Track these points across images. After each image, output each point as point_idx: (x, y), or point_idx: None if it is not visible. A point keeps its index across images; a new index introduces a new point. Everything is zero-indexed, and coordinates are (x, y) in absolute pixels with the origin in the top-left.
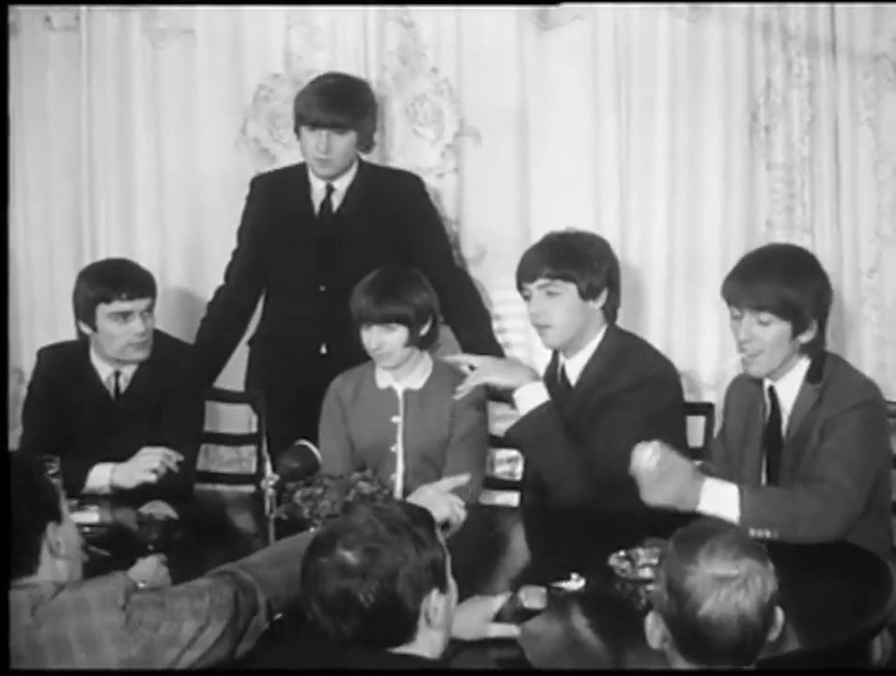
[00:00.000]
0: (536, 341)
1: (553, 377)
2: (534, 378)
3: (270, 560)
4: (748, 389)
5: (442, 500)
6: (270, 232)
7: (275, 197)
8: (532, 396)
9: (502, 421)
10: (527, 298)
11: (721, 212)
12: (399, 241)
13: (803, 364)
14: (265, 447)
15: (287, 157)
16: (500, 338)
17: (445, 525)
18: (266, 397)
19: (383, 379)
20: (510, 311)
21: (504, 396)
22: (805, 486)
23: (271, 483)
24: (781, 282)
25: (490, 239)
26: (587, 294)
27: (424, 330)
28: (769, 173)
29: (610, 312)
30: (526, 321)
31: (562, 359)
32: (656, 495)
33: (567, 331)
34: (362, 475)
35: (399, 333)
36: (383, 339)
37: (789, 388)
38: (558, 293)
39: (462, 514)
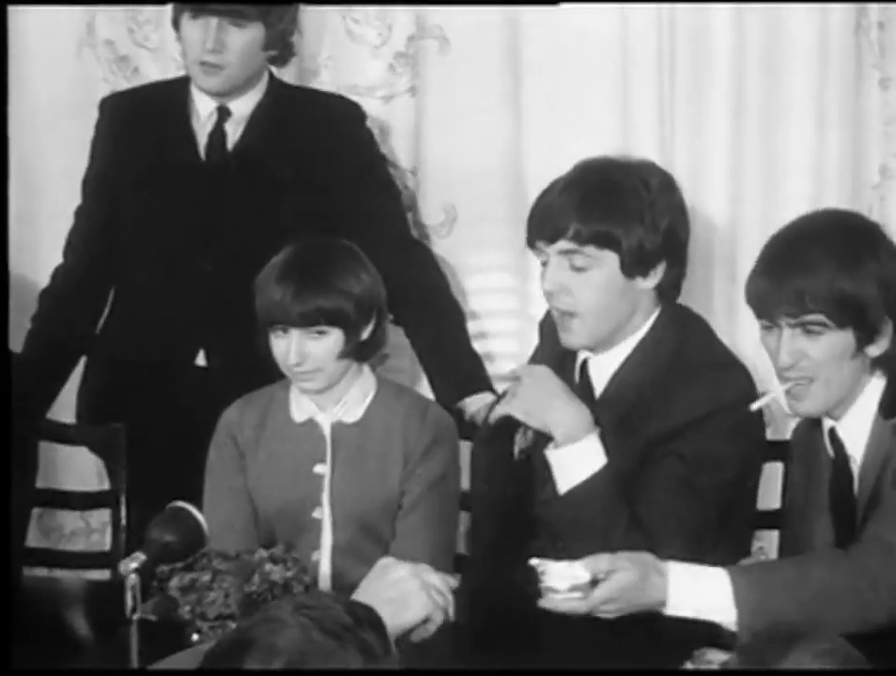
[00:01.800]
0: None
1: (559, 374)
2: (591, 427)
3: None
4: (808, 432)
5: (417, 586)
6: (128, 181)
7: (137, 127)
8: (582, 456)
9: None
10: (543, 264)
11: (810, 151)
12: (326, 200)
13: (873, 390)
14: (124, 511)
15: (156, 68)
16: (478, 346)
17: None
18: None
19: (301, 408)
20: (493, 305)
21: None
22: (846, 553)
23: (135, 565)
24: (836, 269)
25: (463, 197)
26: (634, 266)
27: (366, 334)
28: (884, 92)
29: (668, 290)
30: (517, 321)
31: (582, 351)
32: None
33: (602, 324)
34: (270, 554)
35: (330, 340)
36: (307, 349)
37: (857, 427)
38: (587, 267)
39: (450, 610)
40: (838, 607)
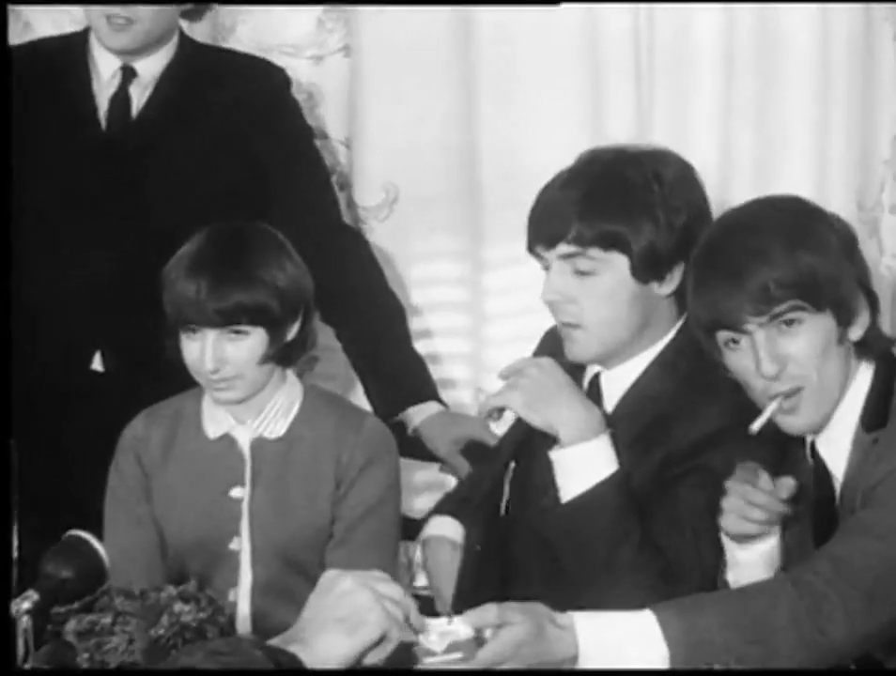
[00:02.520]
0: (488, 352)
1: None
2: (601, 427)
3: None
4: (796, 446)
5: (370, 599)
6: (16, 150)
7: (28, 88)
8: (590, 459)
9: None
10: (545, 268)
11: (813, 122)
12: (244, 179)
13: (860, 387)
14: (15, 543)
15: (49, 22)
16: (422, 347)
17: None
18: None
19: (216, 422)
20: (439, 298)
21: (441, 453)
22: (787, 576)
23: (27, 606)
24: (793, 246)
25: (406, 175)
26: (647, 270)
27: (291, 334)
28: None
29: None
30: (467, 317)
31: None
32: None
33: (611, 336)
34: (180, 592)
35: (252, 341)
36: (224, 353)
37: (837, 439)
38: (593, 272)
39: (408, 630)
40: (780, 634)
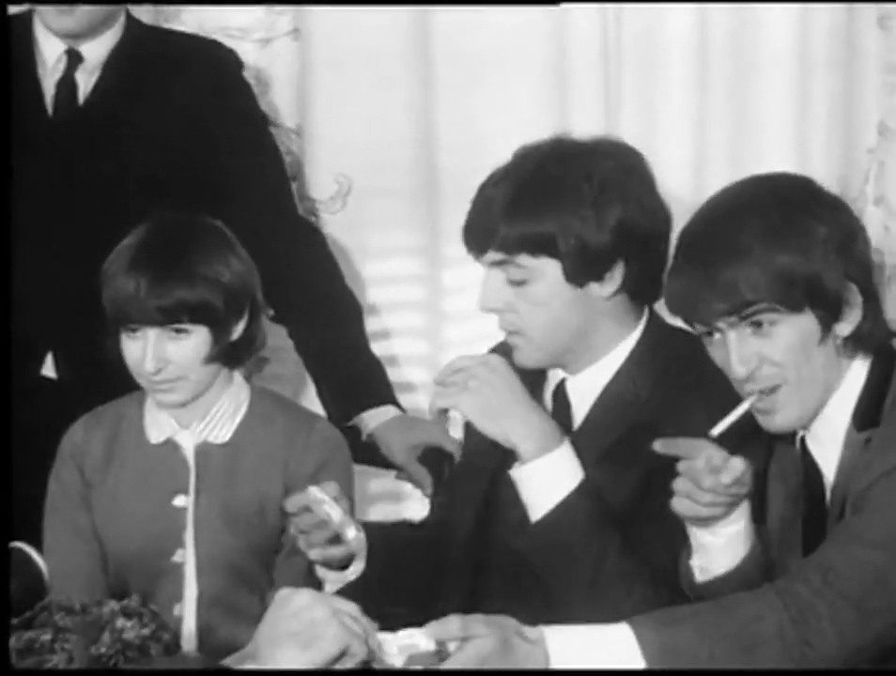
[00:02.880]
0: (448, 354)
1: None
2: (561, 435)
3: None
4: (780, 445)
5: (327, 613)
6: None
7: None
8: (556, 471)
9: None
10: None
11: (792, 107)
12: (197, 165)
13: (853, 383)
14: None
15: None
16: (379, 348)
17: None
18: None
19: (159, 427)
20: (397, 297)
21: (398, 459)
22: (772, 585)
23: None
24: (770, 243)
25: (360, 165)
26: (580, 272)
27: (237, 333)
28: (884, 34)
29: (640, 292)
30: (426, 316)
31: (556, 370)
32: None
33: (554, 341)
34: (122, 606)
35: (195, 340)
36: (166, 353)
37: (829, 437)
38: (526, 280)
39: (372, 643)
40: (765, 647)
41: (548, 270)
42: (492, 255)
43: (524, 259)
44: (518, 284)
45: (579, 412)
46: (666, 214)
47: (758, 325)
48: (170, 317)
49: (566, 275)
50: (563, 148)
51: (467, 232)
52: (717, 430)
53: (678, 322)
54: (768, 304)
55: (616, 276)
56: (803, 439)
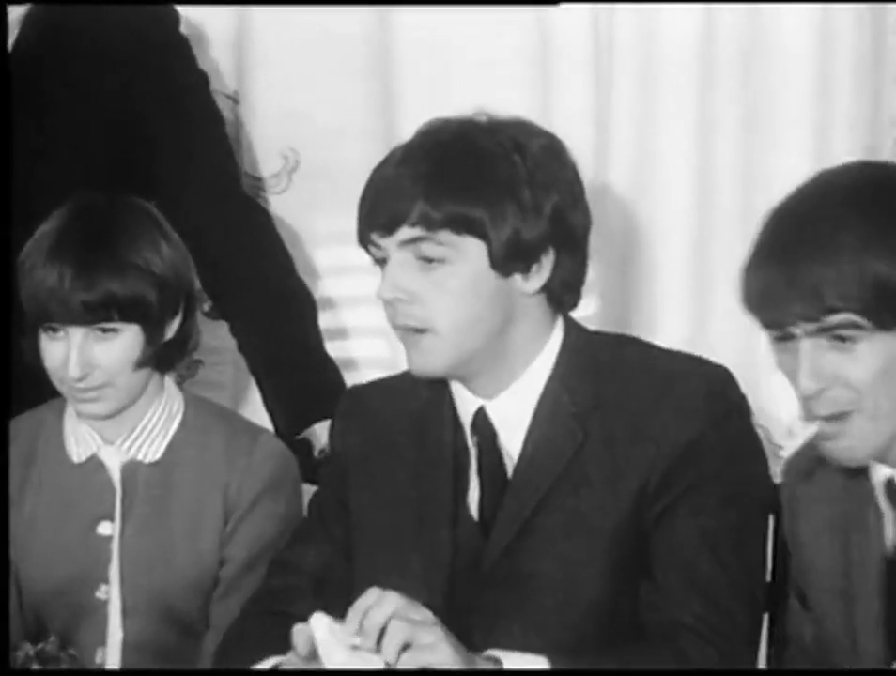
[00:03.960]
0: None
1: (438, 431)
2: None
3: None
4: (836, 485)
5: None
6: None
7: None
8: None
9: None
10: (380, 261)
11: (804, 104)
12: (121, 137)
13: None
14: None
15: None
16: (334, 349)
17: None
18: None
19: (81, 442)
20: (354, 290)
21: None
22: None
23: None
24: (864, 246)
25: (308, 138)
26: (509, 259)
27: (171, 331)
28: None
29: (562, 296)
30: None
31: (467, 396)
32: None
33: (467, 342)
34: (38, 650)
35: (124, 341)
36: (91, 355)
37: None
38: (443, 260)
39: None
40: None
41: (471, 251)
42: (406, 232)
43: (446, 235)
44: (432, 262)
45: (512, 445)
46: (588, 210)
47: (840, 339)
48: (98, 315)
49: (492, 260)
50: (478, 121)
51: (370, 211)
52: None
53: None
54: (852, 317)
55: (544, 270)
56: (891, 481)
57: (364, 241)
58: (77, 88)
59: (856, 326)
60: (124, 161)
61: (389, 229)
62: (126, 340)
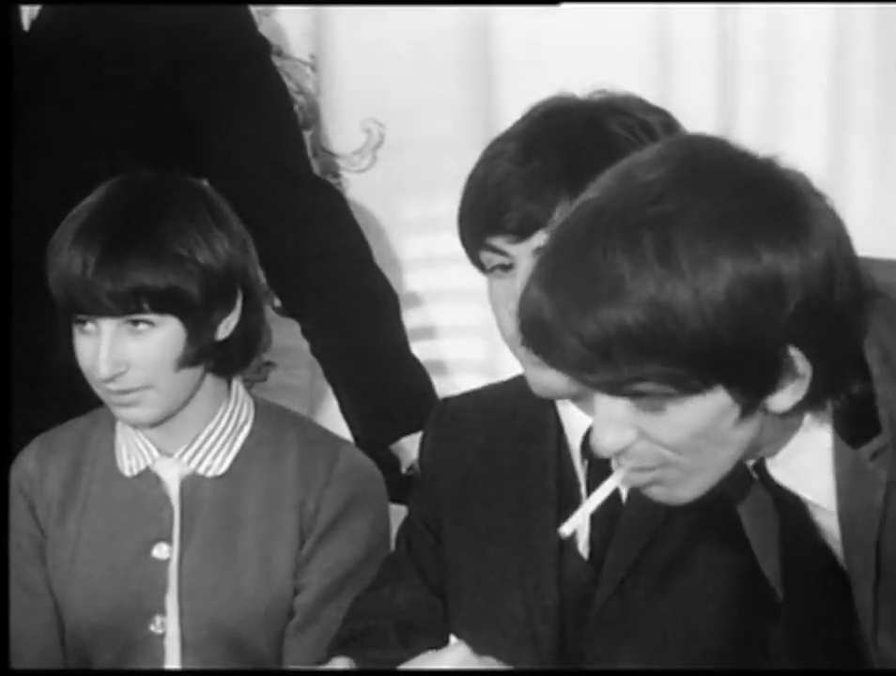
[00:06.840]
0: (510, 357)
1: (542, 455)
2: None
3: None
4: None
5: None
6: None
7: None
8: None
9: None
10: (497, 268)
11: None
12: (171, 113)
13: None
14: None
15: None
16: (422, 351)
17: None
18: None
19: (134, 454)
20: (445, 284)
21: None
22: None
23: None
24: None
25: (395, 110)
26: None
27: (225, 330)
28: None
29: None
30: (488, 311)
31: (578, 414)
32: None
33: None
34: None
35: (162, 335)
36: (123, 352)
37: (809, 463)
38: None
39: None
40: None
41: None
42: (543, 238)
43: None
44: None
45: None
46: None
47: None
48: (127, 306)
49: None
50: (604, 101)
51: (494, 214)
52: (566, 529)
53: None
54: (660, 386)
55: None
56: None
57: (478, 246)
58: (116, 66)
59: (664, 394)
60: (170, 146)
61: (522, 234)
62: (163, 335)
